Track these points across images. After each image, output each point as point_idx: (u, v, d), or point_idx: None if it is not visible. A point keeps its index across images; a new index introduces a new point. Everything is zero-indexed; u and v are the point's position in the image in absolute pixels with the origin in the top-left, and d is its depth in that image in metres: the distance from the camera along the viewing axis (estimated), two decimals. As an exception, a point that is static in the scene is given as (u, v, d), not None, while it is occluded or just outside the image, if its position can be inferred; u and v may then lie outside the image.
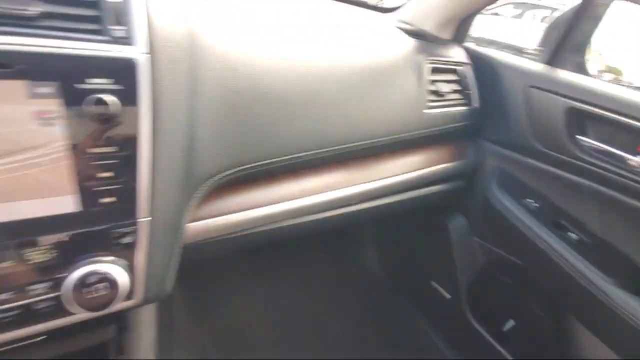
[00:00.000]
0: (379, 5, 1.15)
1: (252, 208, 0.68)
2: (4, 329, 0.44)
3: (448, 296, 1.31)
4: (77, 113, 0.45)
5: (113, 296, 0.48)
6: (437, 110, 0.90)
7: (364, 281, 1.65)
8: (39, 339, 0.53)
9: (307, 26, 0.74)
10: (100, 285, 0.47)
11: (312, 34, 0.72)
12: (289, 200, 0.72)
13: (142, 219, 0.50)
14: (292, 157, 0.67)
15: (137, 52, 0.49)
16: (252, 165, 0.63)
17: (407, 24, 0.97)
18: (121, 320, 0.60)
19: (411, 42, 0.90)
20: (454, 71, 0.98)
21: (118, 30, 0.48)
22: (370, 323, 1.52)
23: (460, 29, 1.02)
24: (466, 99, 0.99)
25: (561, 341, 1.07)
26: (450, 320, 1.32)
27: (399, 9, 1.03)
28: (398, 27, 0.93)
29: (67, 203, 0.45)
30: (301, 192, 0.73)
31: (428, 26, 0.97)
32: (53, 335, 0.53)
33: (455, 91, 0.97)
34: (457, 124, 0.97)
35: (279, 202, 0.70)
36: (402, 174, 0.90)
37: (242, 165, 0.61)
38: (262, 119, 0.62)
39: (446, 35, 1.01)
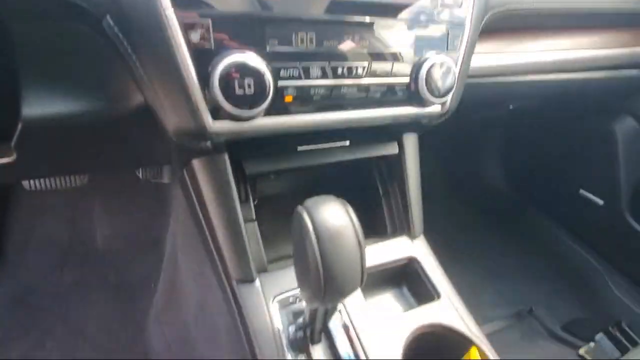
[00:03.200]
0: None
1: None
2: (369, 106, 0.52)
3: (600, 202, 1.29)
4: None
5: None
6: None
7: (482, 191, 1.67)
8: (343, 143, 0.61)
9: None
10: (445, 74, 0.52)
11: None
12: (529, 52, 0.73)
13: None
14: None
15: None
16: (522, 9, 0.64)
17: None
18: (402, 141, 0.67)
19: None
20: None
21: None
22: (497, 235, 1.56)
23: None
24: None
25: None
26: (602, 226, 1.30)
27: None
28: None
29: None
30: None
31: None
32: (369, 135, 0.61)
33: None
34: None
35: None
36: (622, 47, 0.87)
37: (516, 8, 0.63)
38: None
39: None
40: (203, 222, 0.57)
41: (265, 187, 0.76)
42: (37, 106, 0.44)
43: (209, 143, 0.47)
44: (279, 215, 0.72)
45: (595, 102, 1.24)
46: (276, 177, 0.78)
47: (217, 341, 0.79)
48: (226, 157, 0.53)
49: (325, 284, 0.36)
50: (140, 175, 1.23)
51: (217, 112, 0.43)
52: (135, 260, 1.26)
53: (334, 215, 0.37)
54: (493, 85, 0.74)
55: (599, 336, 1.08)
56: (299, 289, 0.44)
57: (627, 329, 1.08)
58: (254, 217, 0.60)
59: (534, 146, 1.53)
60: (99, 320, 1.09)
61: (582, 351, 1.06)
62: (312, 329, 0.50)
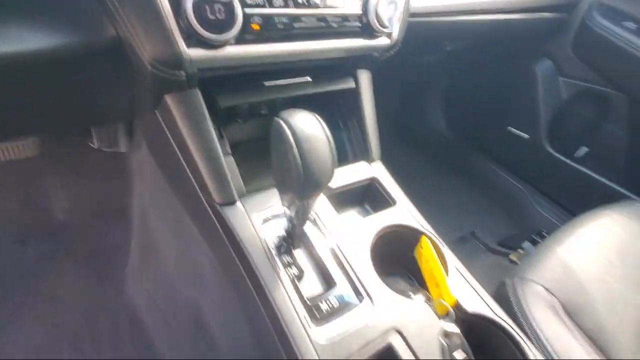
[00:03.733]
0: None
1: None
2: (327, 37, 0.58)
3: (526, 136, 1.49)
4: None
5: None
6: None
7: (428, 138, 1.84)
8: (305, 79, 0.68)
9: None
10: (391, 5, 0.60)
11: None
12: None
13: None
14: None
15: None
16: None
17: None
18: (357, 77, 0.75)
19: None
20: None
21: None
22: (442, 175, 1.75)
23: None
24: None
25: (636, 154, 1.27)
26: (527, 156, 1.51)
27: None
28: None
29: None
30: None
31: None
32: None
33: None
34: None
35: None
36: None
37: None
38: None
39: None
40: (181, 157, 0.61)
41: (234, 133, 0.81)
42: (7, 43, 0.44)
43: (183, 74, 0.51)
44: (249, 157, 0.78)
45: (518, 44, 1.40)
46: (244, 122, 0.82)
47: (202, 279, 0.86)
48: (199, 92, 0.57)
49: (305, 177, 0.43)
50: (95, 144, 1.19)
51: (190, 40, 0.47)
52: (101, 229, 1.25)
53: (306, 120, 0.44)
54: (432, 24, 0.83)
55: (526, 244, 1.31)
56: (280, 193, 0.51)
57: (546, 235, 1.32)
58: (230, 151, 0.65)
59: (469, 92, 1.70)
60: (74, 286, 1.09)
61: (512, 256, 1.28)
62: (292, 235, 0.58)
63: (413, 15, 0.75)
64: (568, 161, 1.39)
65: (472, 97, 1.69)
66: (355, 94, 0.75)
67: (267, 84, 0.64)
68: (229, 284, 0.69)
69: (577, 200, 1.39)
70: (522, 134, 1.50)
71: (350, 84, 0.73)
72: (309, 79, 0.68)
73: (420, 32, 0.86)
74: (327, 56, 0.62)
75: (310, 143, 0.43)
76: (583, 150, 1.40)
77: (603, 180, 1.30)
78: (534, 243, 1.30)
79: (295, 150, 0.43)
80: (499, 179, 1.61)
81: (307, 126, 0.44)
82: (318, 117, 0.45)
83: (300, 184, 0.44)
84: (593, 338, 0.66)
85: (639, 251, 0.83)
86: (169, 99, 0.56)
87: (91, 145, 1.21)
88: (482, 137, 1.70)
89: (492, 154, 1.67)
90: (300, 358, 0.46)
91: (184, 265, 0.92)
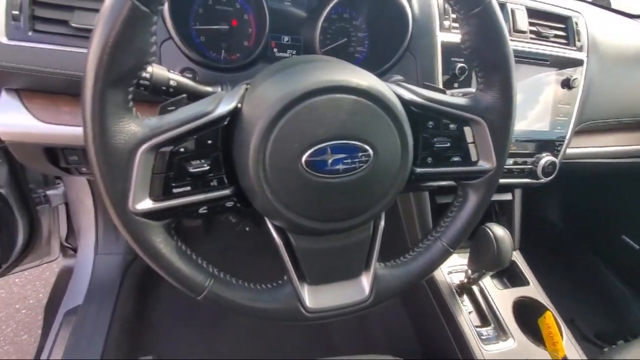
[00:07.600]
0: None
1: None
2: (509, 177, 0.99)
3: (637, 247, 1.67)
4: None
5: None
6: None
7: (544, 229, 2.07)
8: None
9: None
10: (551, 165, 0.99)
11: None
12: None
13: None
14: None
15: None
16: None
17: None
18: (513, 192, 1.14)
19: None
20: None
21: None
22: (555, 270, 1.95)
23: None
24: None
25: None
26: (635, 264, 1.68)
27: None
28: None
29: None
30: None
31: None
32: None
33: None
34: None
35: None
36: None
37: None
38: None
39: None
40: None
41: None
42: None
43: None
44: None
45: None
46: None
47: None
48: None
49: (498, 259, 0.84)
50: None
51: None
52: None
53: (500, 228, 0.85)
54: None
55: (620, 342, 1.48)
56: (474, 267, 0.92)
57: (643, 338, 1.48)
58: None
59: (587, 203, 1.93)
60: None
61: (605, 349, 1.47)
62: (465, 286, 0.99)
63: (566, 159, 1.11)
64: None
65: (589, 208, 1.91)
66: (510, 203, 1.15)
67: None
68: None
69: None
70: (633, 244, 1.69)
71: (508, 197, 1.13)
72: None
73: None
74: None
75: (504, 241, 0.84)
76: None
77: None
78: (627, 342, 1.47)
79: (495, 246, 0.84)
80: (606, 278, 1.79)
81: (501, 230, 0.85)
82: (503, 227, 0.86)
83: (495, 263, 0.85)
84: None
85: None
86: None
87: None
88: (597, 240, 1.89)
89: (603, 255, 1.86)
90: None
91: None
